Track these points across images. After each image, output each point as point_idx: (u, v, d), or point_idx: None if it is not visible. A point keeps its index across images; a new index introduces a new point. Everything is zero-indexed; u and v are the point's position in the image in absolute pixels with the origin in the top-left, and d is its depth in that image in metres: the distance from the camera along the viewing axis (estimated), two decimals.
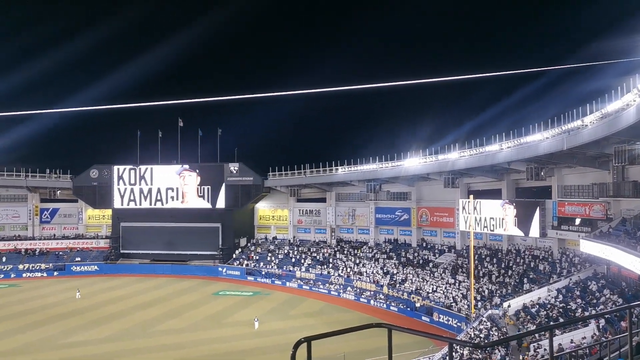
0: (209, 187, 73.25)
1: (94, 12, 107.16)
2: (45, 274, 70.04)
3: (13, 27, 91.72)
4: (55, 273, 70.35)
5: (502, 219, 48.30)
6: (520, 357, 29.24)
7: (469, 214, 49.84)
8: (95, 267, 72.05)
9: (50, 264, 71.58)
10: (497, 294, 45.15)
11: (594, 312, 31.69)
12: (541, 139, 41.10)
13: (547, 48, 79.81)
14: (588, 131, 34.61)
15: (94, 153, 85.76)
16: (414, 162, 58.17)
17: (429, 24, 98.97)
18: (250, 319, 48.08)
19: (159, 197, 74.19)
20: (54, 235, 77.89)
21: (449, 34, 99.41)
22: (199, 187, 73.58)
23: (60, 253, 74.33)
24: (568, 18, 77.56)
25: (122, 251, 75.16)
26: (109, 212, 77.22)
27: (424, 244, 63.17)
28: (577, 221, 43.56)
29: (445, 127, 76.88)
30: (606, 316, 28.68)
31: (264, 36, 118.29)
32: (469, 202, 49.79)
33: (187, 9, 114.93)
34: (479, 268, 50.70)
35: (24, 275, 69.20)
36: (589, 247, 35.72)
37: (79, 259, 73.38)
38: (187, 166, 74.02)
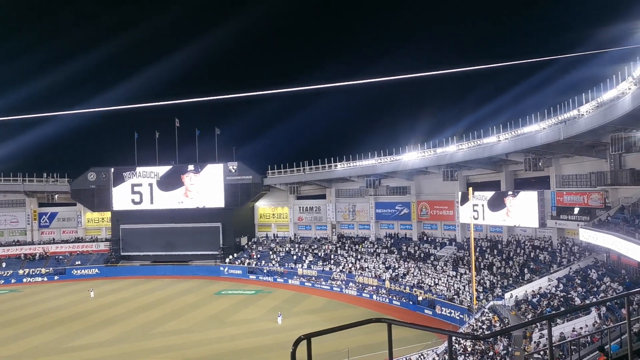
0: (208, 186, 73.18)
1: (98, 29, 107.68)
2: (45, 279, 70.03)
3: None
4: (56, 277, 70.35)
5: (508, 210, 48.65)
6: (523, 347, 29.34)
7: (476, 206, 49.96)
8: (96, 270, 72.03)
9: (51, 269, 71.56)
10: (499, 285, 45.25)
11: (594, 300, 31.77)
12: (538, 129, 41.13)
13: (542, 39, 79.76)
14: (584, 120, 34.63)
15: (91, 156, 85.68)
16: (412, 156, 58.18)
17: (425, 20, 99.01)
18: (253, 317, 48.34)
19: (157, 198, 74.08)
20: (53, 239, 77.87)
21: (445, 29, 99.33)
22: (198, 187, 73.50)
23: (60, 257, 74.29)
24: (562, 7, 77.57)
25: (122, 253, 75.17)
26: (108, 214, 77.21)
27: (425, 238, 63.24)
28: (576, 210, 43.64)
29: (443, 121, 77.05)
30: (607, 304, 28.77)
31: (263, 36, 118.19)
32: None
33: (185, 17, 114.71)
34: (480, 260, 50.77)
35: (25, 280, 69.20)
36: (588, 235, 35.79)
37: (79, 262, 73.38)
38: (187, 166, 73.94)
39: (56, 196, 75.99)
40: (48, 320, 48.60)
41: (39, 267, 71.57)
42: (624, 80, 29.42)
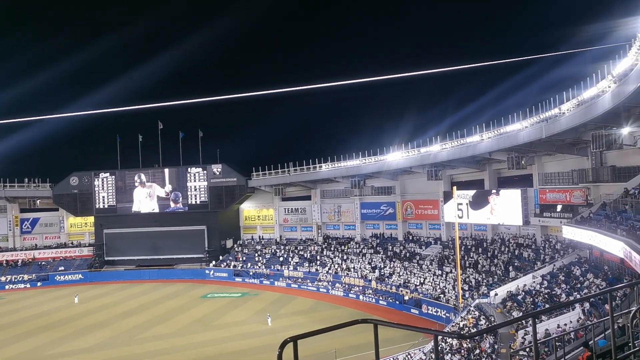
0: (193, 189, 72.80)
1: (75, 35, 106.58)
2: (28, 285, 68.98)
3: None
4: (39, 283, 69.32)
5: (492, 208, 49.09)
6: (509, 344, 29.57)
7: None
8: (80, 276, 71.13)
9: (33, 275, 70.51)
10: (484, 283, 45.57)
11: (578, 296, 32.13)
12: (520, 128, 41.53)
13: (524, 39, 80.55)
14: (565, 119, 35.04)
15: (73, 160, 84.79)
16: (396, 156, 58.38)
17: (408, 21, 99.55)
18: (240, 320, 48.17)
19: (141, 202, 73.52)
20: (36, 245, 76.70)
21: (428, 29, 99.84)
22: (182, 189, 73.07)
23: (43, 263, 73.26)
24: (543, 7, 78.46)
25: (106, 258, 74.39)
26: (91, 219, 76.37)
27: (410, 237, 63.46)
28: (559, 208, 44.09)
29: (427, 121, 77.42)
30: (591, 300, 29.10)
31: (246, 39, 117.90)
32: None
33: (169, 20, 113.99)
34: (465, 258, 51.09)
35: (7, 287, 68.05)
36: (571, 232, 36.16)
37: (62, 268, 72.40)
38: (169, 169, 73.51)
39: (38, 201, 74.93)
40: (31, 327, 47.87)
41: (22, 274, 70.46)
42: (604, 79, 29.79)
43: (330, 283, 60.04)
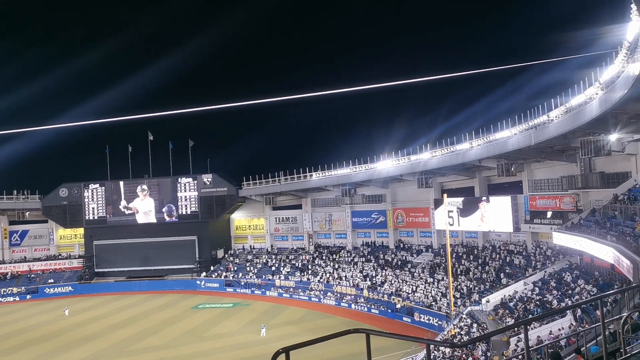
0: (183, 199, 72.48)
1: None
2: (17, 298, 68.18)
3: None
4: (28, 296, 68.54)
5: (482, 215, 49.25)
6: (502, 352, 29.55)
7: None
8: (70, 288, 70.43)
9: (23, 288, 69.72)
10: (476, 291, 45.61)
11: (569, 302, 32.22)
12: (509, 135, 41.80)
13: (513, 46, 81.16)
14: (554, 125, 35.31)
15: (63, 171, 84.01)
16: (387, 164, 58.51)
17: (398, 28, 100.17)
18: (232, 331, 47.81)
19: (131, 213, 73.06)
20: (25, 257, 75.92)
21: (418, 37, 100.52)
22: (172, 200, 72.71)
23: (33, 276, 72.48)
24: (531, 14, 79.27)
25: (96, 270, 73.71)
26: (81, 231, 75.76)
27: (401, 245, 63.48)
28: (549, 214, 44.30)
29: (417, 129, 77.81)
30: (582, 306, 29.18)
31: (237, 47, 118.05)
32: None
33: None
34: (457, 266, 51.14)
35: None
36: (562, 239, 36.34)
37: (52, 280, 71.67)
38: (159, 180, 73.17)
39: (27, 213, 74.27)
40: (21, 341, 47.23)
41: (11, 287, 69.63)
42: (592, 86, 30.08)
43: (322, 292, 59.84)
